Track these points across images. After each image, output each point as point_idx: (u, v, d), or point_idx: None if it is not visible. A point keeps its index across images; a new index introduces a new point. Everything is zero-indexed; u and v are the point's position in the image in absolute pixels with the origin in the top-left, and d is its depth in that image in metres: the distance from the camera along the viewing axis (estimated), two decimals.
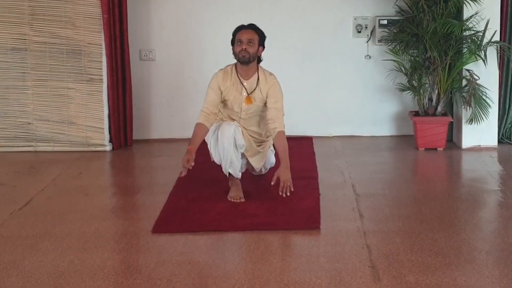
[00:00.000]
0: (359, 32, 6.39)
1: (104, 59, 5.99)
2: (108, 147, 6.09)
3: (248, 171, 4.84)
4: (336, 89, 6.51)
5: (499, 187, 4.86)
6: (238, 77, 4.54)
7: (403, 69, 6.12)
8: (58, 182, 5.12)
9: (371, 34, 6.37)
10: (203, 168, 4.85)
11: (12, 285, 3.29)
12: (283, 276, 3.32)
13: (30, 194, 4.77)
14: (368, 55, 6.43)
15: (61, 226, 4.11)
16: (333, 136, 6.53)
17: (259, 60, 4.57)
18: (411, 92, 6.15)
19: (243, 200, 4.47)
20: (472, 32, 5.80)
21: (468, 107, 5.81)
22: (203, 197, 4.57)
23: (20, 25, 5.97)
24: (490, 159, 5.65)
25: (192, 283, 3.27)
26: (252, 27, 4.53)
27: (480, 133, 5.94)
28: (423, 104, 6.06)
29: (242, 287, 3.21)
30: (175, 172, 5.21)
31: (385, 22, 6.27)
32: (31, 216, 4.32)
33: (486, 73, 5.87)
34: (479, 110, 5.80)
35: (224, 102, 4.57)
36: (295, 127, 6.12)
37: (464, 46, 5.84)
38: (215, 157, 4.51)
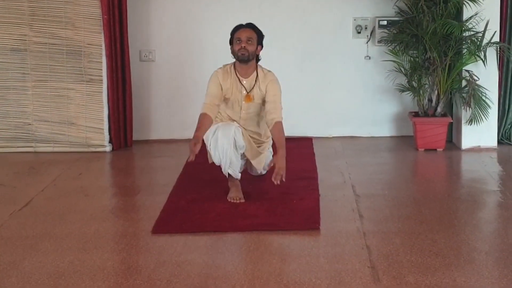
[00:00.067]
0: (359, 32, 6.40)
1: (104, 59, 5.99)
2: (108, 148, 6.09)
3: (248, 172, 4.84)
4: (336, 90, 6.52)
5: (498, 188, 4.86)
6: (237, 76, 4.55)
7: (402, 69, 6.13)
8: (58, 182, 5.12)
9: (370, 35, 6.37)
10: (203, 168, 4.86)
11: (12, 285, 3.29)
12: (283, 277, 3.32)
13: (30, 195, 4.77)
14: (368, 56, 6.43)
15: (61, 226, 4.12)
16: (333, 137, 6.53)
17: (257, 59, 4.59)
18: (411, 93, 6.15)
19: (243, 200, 4.47)
20: (472, 32, 5.80)
21: (467, 108, 5.81)
22: (203, 198, 4.57)
23: (20, 26, 5.97)
24: (489, 160, 5.65)
25: (192, 284, 3.27)
26: (251, 26, 4.56)
27: (479, 134, 5.95)
28: (422, 104, 6.06)
29: None
30: (175, 172, 5.23)
31: (385, 22, 6.28)
32: (31, 216, 4.32)
33: (485, 73, 5.87)
34: (479, 110, 5.81)
35: (224, 101, 4.58)
36: (295, 128, 6.13)
37: (463, 46, 5.85)
38: (215, 158, 4.50)
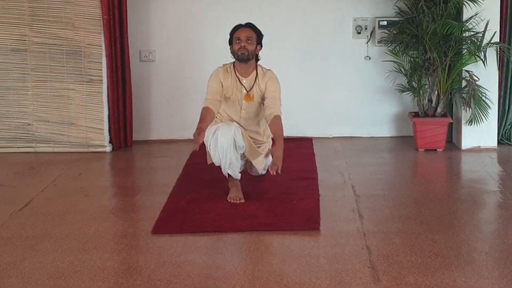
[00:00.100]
0: (359, 33, 6.40)
1: (104, 60, 5.99)
2: (108, 148, 6.09)
3: (247, 172, 4.84)
4: (336, 90, 6.52)
5: (498, 188, 4.86)
6: (237, 75, 4.56)
7: (402, 70, 6.13)
8: (58, 183, 5.12)
9: (370, 35, 6.37)
10: (203, 168, 4.86)
11: (12, 285, 3.29)
12: (283, 277, 3.32)
13: (30, 195, 4.77)
14: (368, 56, 6.43)
15: (61, 227, 4.12)
16: (333, 137, 6.53)
17: (257, 58, 4.60)
18: (411, 93, 6.15)
19: (243, 201, 4.47)
20: (472, 33, 5.80)
21: (467, 108, 5.81)
22: (203, 198, 4.57)
23: (20, 26, 5.97)
24: (489, 160, 5.65)
25: (192, 284, 3.27)
26: (250, 25, 4.57)
27: (479, 134, 5.95)
28: (422, 105, 6.06)
29: None
30: (175, 172, 5.23)
31: (385, 23, 6.28)
32: (31, 217, 4.32)
33: (485, 74, 5.87)
34: (479, 111, 5.81)
35: (225, 100, 4.58)
36: (295, 128, 6.13)
37: (463, 47, 5.85)
38: (215, 158, 4.50)
